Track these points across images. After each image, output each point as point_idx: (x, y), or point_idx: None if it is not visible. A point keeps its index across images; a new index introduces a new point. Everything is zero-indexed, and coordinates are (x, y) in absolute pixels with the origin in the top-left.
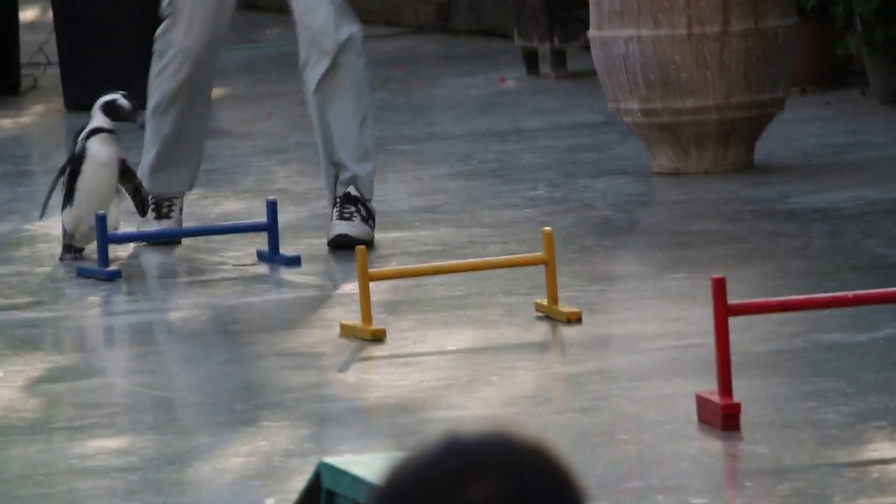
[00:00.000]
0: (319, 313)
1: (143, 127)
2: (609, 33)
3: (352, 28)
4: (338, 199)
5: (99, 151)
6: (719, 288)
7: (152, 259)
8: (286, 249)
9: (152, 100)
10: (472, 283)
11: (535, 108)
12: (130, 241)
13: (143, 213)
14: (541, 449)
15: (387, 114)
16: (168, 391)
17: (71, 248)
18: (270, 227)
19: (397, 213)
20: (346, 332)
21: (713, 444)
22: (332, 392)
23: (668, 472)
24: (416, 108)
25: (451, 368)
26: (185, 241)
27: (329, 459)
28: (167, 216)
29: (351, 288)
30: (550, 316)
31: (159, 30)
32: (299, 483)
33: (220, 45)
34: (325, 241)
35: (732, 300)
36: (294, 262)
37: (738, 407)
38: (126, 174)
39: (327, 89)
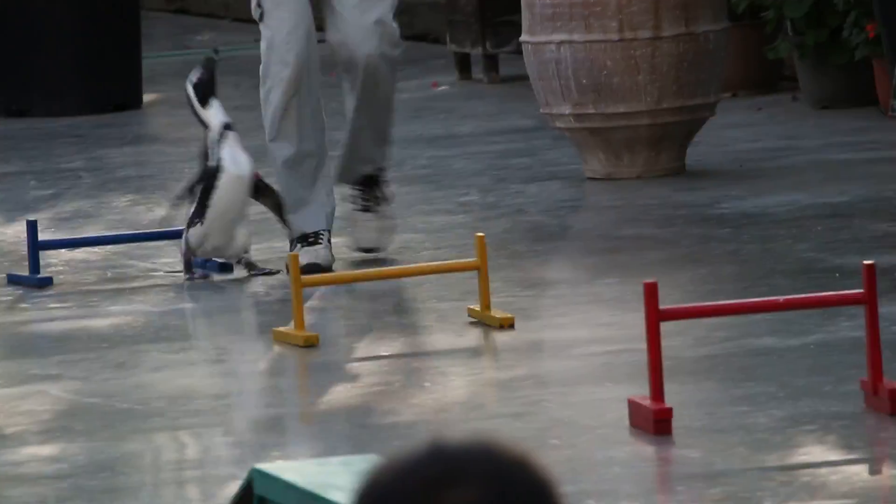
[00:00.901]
0: (252, 319)
1: (217, 51)
2: (541, 38)
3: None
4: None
5: (234, 164)
6: (651, 293)
7: (84, 266)
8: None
9: (268, 119)
10: (405, 289)
11: (467, 113)
12: (61, 247)
13: (286, 227)
14: (524, 460)
15: None
16: (99, 398)
17: (191, 267)
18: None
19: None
20: (279, 338)
21: (645, 449)
22: (265, 398)
23: (601, 477)
24: None
25: (384, 374)
26: (117, 247)
27: (261, 466)
28: (316, 242)
29: (284, 294)
30: (483, 321)
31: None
32: (231, 490)
33: (314, 37)
34: (258, 246)
35: (664, 305)
36: (226, 268)
37: (669, 411)
38: (263, 190)
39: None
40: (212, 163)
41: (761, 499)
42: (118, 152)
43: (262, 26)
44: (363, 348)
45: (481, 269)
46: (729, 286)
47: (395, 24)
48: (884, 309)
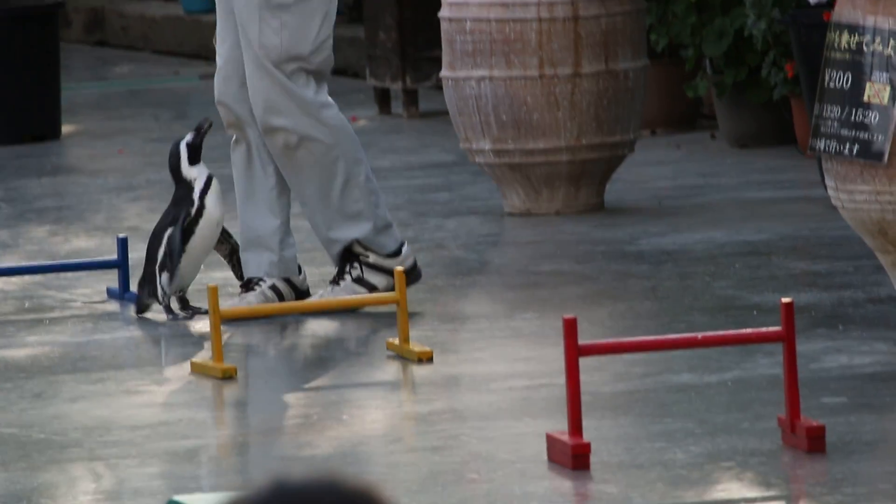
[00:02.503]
0: (170, 351)
1: (210, 124)
2: (461, 73)
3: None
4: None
5: (214, 210)
6: (570, 328)
7: (1, 296)
8: (136, 287)
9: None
10: (324, 322)
11: (386, 147)
12: None
13: (240, 276)
14: (369, 495)
15: None
16: (16, 428)
17: (170, 309)
18: (121, 264)
19: None
20: (197, 369)
21: (563, 484)
22: (182, 430)
23: None
24: None
25: (303, 406)
26: (35, 277)
27: (178, 497)
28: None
29: (202, 325)
30: (402, 355)
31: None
32: None
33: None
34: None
35: (583, 340)
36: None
37: (587, 447)
38: (221, 235)
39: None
40: (192, 209)
41: None
42: (36, 183)
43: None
44: (282, 381)
45: (400, 303)
46: (648, 322)
47: (268, 82)
48: (801, 346)
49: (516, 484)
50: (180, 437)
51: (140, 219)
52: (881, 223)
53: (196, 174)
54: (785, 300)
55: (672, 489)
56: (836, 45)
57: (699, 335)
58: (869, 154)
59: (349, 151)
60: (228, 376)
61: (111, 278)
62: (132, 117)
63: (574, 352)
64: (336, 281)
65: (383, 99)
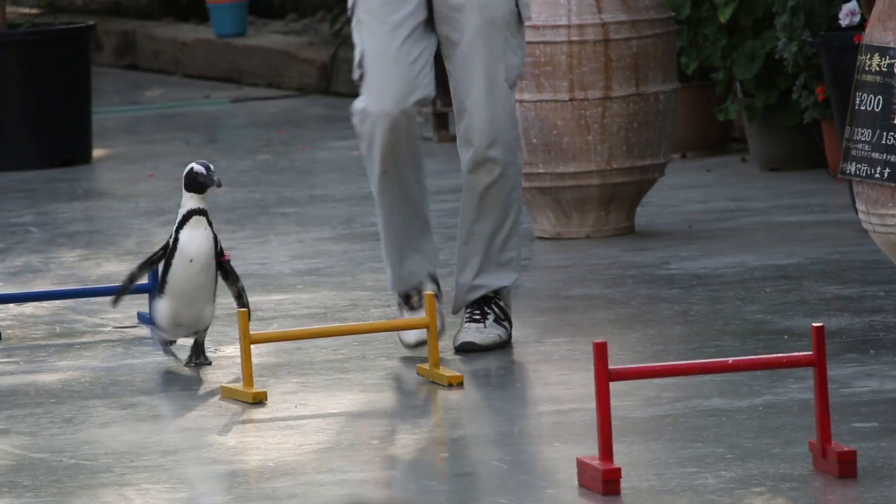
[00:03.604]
0: (200, 376)
1: (220, 185)
2: None
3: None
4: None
5: (187, 245)
6: (601, 352)
7: (32, 321)
8: None
9: (371, 185)
10: (353, 347)
11: None
12: (9, 301)
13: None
14: None
15: (269, 176)
16: (47, 453)
17: (167, 348)
18: (151, 289)
19: (279, 276)
20: (227, 394)
21: None
22: (212, 455)
23: None
24: (298, 171)
25: (333, 432)
26: (65, 302)
27: None
28: (419, 307)
29: (232, 350)
30: (432, 380)
31: (354, 104)
32: None
33: (416, 108)
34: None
35: (613, 365)
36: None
37: (618, 472)
38: (229, 276)
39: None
40: (171, 238)
41: None
42: (67, 207)
43: (361, 88)
44: (312, 405)
45: (430, 327)
46: (678, 347)
47: (503, 106)
48: (832, 371)
49: None
50: (211, 462)
51: None
52: None
53: (184, 203)
54: (816, 325)
55: None
56: (866, 67)
57: (730, 360)
58: None
59: (520, 196)
60: (259, 401)
61: (142, 303)
62: (163, 141)
63: (604, 376)
64: (479, 319)
65: None
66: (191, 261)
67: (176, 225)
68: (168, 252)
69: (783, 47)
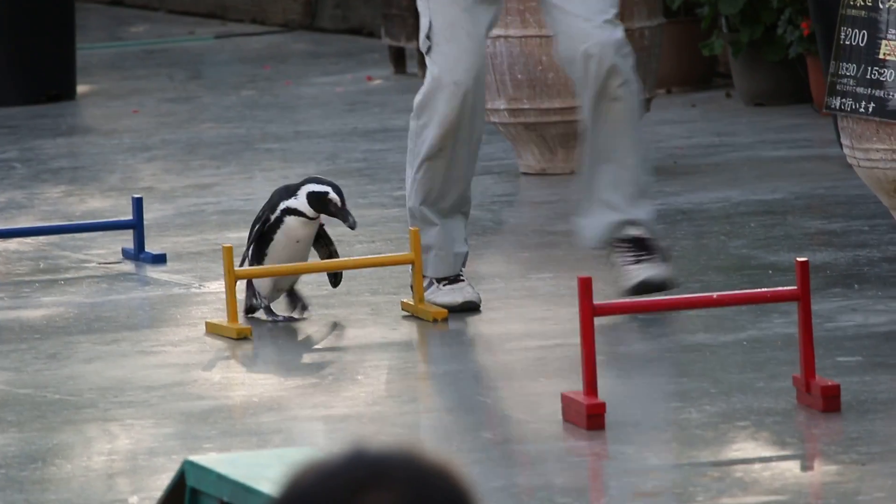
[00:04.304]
0: (185, 311)
1: (353, 227)
2: None
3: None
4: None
5: (296, 231)
6: (585, 288)
7: (16, 256)
8: (152, 247)
9: (413, 166)
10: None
11: (402, 107)
12: None
13: (334, 283)
14: (446, 469)
15: (254, 112)
16: (31, 388)
17: (270, 310)
18: (136, 225)
19: None
20: (212, 330)
21: (578, 444)
22: (197, 390)
23: (534, 472)
24: (282, 107)
25: (317, 367)
26: (50, 238)
27: (193, 457)
28: (460, 279)
29: (217, 286)
30: (417, 315)
31: (419, 94)
32: (163, 481)
33: (484, 78)
34: (192, 237)
35: (598, 300)
36: (160, 259)
37: (602, 406)
38: (322, 239)
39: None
40: (275, 216)
41: (694, 494)
42: (51, 143)
43: (428, 60)
44: (296, 341)
45: (415, 263)
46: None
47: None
48: (816, 306)
49: (531, 444)
50: (195, 398)
51: (155, 179)
52: None
53: (300, 197)
54: (800, 259)
55: (687, 449)
56: (851, 2)
57: (714, 295)
58: (885, 112)
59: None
60: (243, 336)
61: (126, 239)
62: (147, 77)
63: (589, 312)
64: (641, 258)
65: (398, 58)
66: (297, 241)
67: (282, 208)
68: (269, 227)
69: None
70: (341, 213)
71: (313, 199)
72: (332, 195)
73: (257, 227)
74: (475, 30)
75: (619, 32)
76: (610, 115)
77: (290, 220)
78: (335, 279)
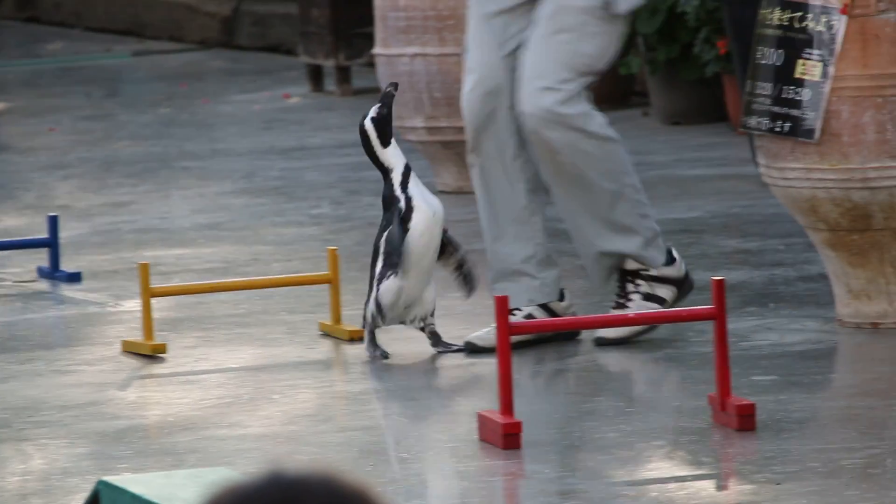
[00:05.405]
0: (101, 330)
1: (396, 87)
2: (394, 51)
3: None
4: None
5: (426, 202)
6: (502, 306)
7: None
8: (67, 265)
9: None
10: (255, 301)
11: (319, 125)
12: None
13: (468, 292)
14: (363, 491)
15: (171, 130)
16: None
17: (375, 340)
18: (51, 243)
19: (180, 230)
20: (128, 348)
21: (494, 464)
22: (112, 410)
23: (449, 492)
24: (199, 124)
25: (233, 386)
26: None
27: (108, 478)
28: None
29: (133, 304)
30: (333, 335)
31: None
32: (77, 502)
33: (497, 96)
34: (108, 256)
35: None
36: (75, 277)
37: (518, 426)
38: (447, 246)
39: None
40: (401, 205)
41: None
42: None
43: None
44: (212, 360)
45: (332, 282)
46: (580, 300)
47: (558, 88)
48: (732, 325)
49: (447, 463)
50: (110, 418)
51: (71, 197)
52: (812, 201)
53: (392, 161)
54: (716, 278)
55: (603, 468)
56: (768, 21)
57: (631, 313)
58: (800, 131)
59: (618, 162)
60: (158, 353)
61: (41, 257)
62: (64, 95)
63: (505, 330)
64: (622, 304)
65: (316, 76)
66: (435, 218)
67: (399, 185)
68: (402, 216)
69: (685, 1)
70: (383, 102)
71: (379, 130)
72: (372, 115)
73: (395, 226)
74: (491, 43)
75: (548, 100)
76: (557, 179)
77: (415, 192)
78: (469, 286)
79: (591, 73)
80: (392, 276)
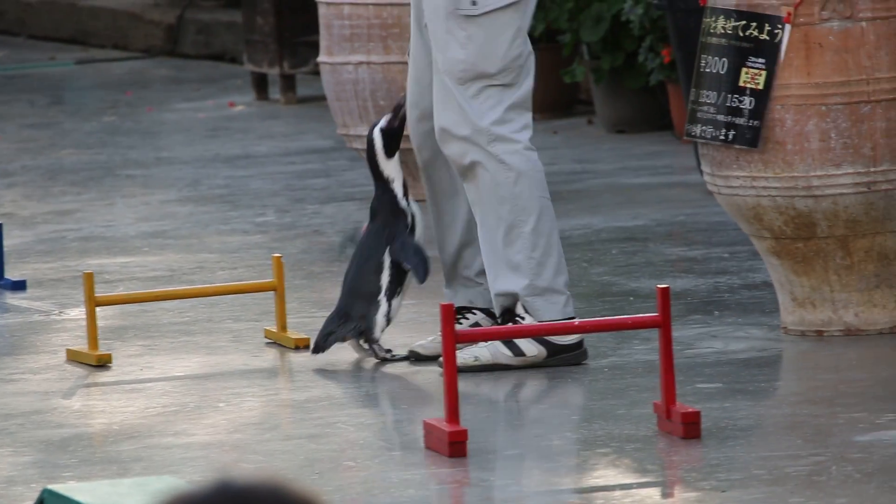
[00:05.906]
0: (45, 338)
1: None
2: (339, 59)
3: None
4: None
5: (420, 220)
6: (447, 314)
7: None
8: (11, 274)
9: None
10: (200, 310)
11: (264, 133)
12: None
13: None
14: (310, 500)
15: (115, 138)
16: None
17: (378, 348)
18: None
19: (125, 239)
20: (73, 357)
21: (440, 471)
22: (57, 418)
23: (395, 500)
24: (144, 133)
25: (179, 395)
26: None
27: (53, 486)
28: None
29: (78, 313)
30: (279, 342)
31: None
32: None
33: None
34: (52, 264)
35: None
36: (19, 286)
37: (464, 434)
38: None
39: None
40: (408, 218)
41: None
42: None
43: None
44: (157, 368)
45: (278, 290)
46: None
47: (448, 98)
48: (677, 332)
49: (393, 471)
50: (55, 426)
51: (15, 205)
52: (756, 209)
53: (394, 173)
54: (661, 286)
55: (549, 476)
56: (712, 29)
57: (576, 321)
58: (744, 140)
59: (520, 196)
60: (103, 363)
61: None
62: (7, 103)
63: (451, 338)
64: (467, 318)
65: (261, 84)
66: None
67: (401, 195)
68: (411, 226)
69: (629, 10)
70: (395, 113)
71: (386, 141)
72: (382, 125)
73: (411, 239)
74: (413, 64)
75: (442, 119)
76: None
77: (416, 209)
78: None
79: (482, 77)
80: (400, 294)
